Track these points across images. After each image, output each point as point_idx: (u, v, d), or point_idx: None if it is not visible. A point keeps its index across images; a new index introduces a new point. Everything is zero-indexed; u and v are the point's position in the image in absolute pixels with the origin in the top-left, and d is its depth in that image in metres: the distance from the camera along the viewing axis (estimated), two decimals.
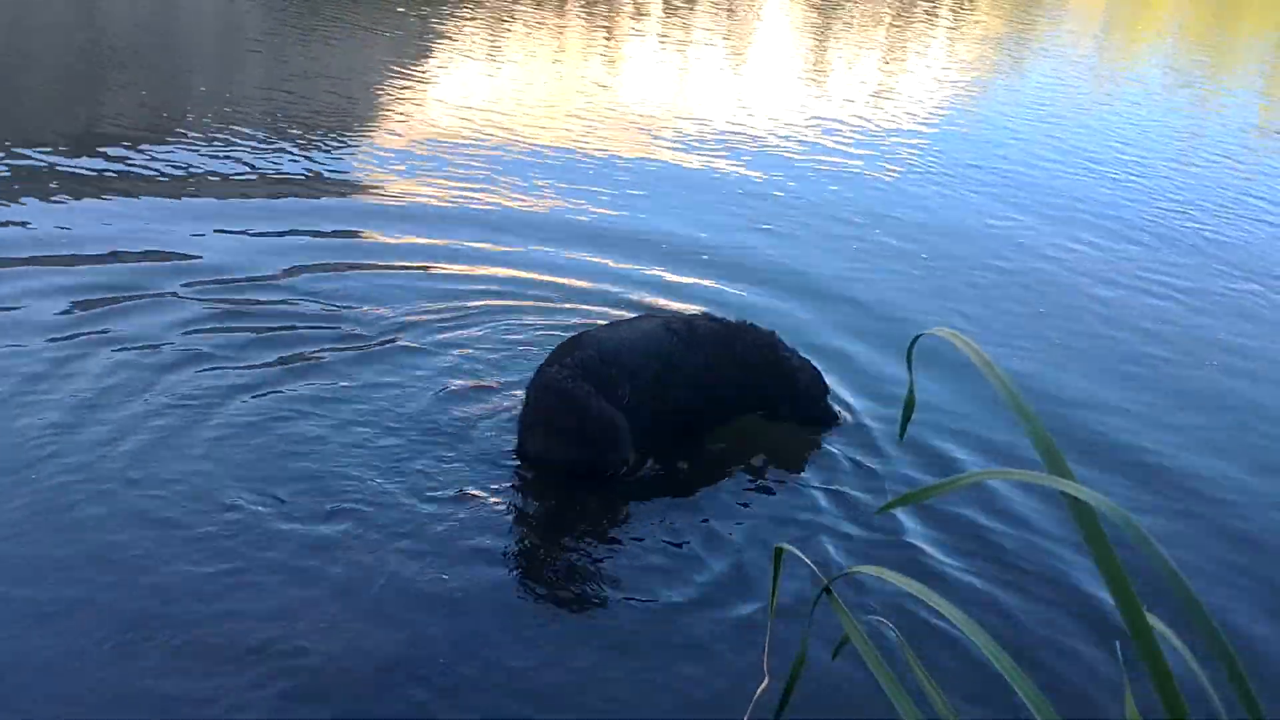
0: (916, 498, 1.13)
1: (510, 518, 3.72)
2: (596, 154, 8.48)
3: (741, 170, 8.47)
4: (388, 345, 4.84)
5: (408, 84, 10.39)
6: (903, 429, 1.60)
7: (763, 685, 1.83)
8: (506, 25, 13.51)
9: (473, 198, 7.08)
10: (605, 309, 5.39)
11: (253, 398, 4.28)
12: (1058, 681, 3.06)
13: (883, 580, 1.25)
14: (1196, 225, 8.11)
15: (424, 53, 11.81)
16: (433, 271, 5.77)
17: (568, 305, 5.48)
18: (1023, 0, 20.84)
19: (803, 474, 4.20)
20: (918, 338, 1.31)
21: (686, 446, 4.25)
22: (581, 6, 15.40)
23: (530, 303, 5.46)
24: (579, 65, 11.80)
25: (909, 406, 1.50)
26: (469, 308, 5.35)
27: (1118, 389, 5.17)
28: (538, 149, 8.44)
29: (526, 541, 3.65)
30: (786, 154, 9.13)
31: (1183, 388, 5.30)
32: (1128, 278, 6.81)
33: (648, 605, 3.35)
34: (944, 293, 6.27)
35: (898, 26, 16.48)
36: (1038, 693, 0.97)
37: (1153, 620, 0.96)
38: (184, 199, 6.58)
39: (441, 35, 12.75)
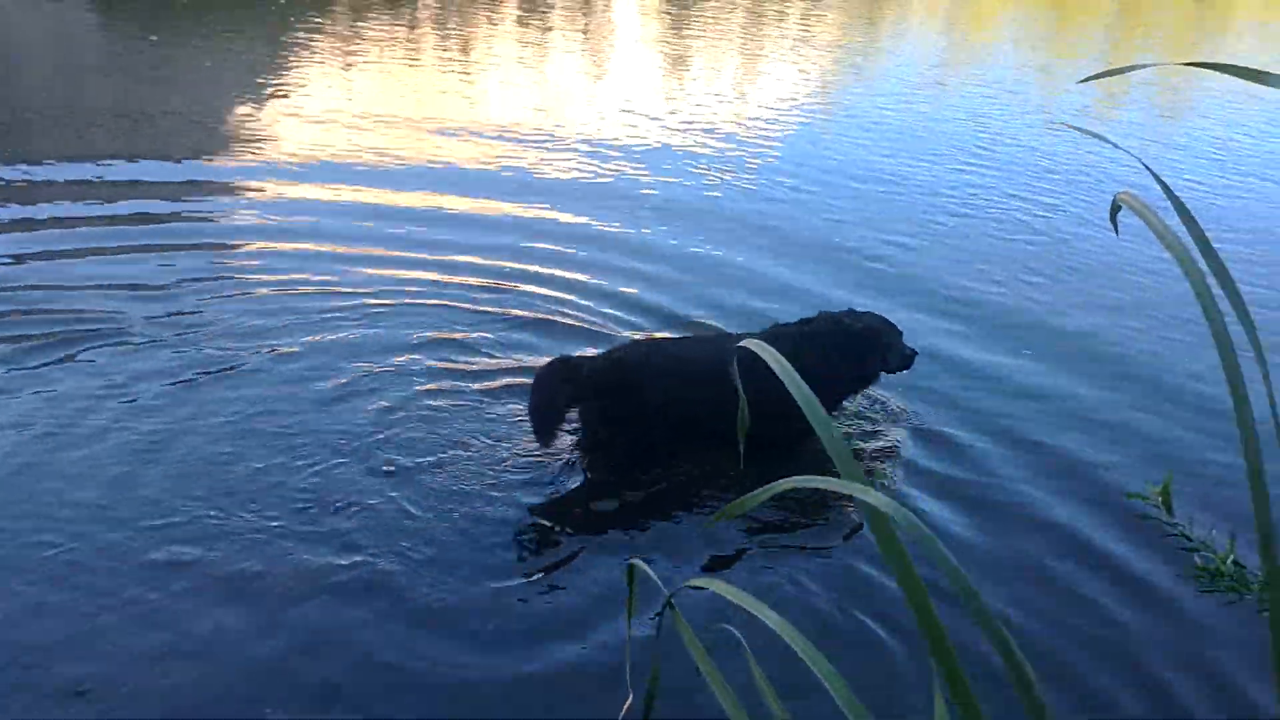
0: (737, 509, 1.15)
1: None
2: (464, 163, 8.50)
3: (588, 167, 8.56)
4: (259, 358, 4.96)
5: (261, 100, 10.19)
6: (743, 449, 1.59)
7: (627, 703, 1.83)
8: (359, 42, 13.30)
9: (328, 214, 7.09)
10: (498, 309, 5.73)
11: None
12: (878, 683, 3.19)
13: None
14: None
15: (275, 69, 11.56)
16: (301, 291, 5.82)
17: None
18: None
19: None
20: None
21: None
22: (433, 21, 15.23)
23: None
24: (433, 77, 11.71)
25: (744, 422, 1.52)
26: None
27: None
28: (403, 160, 8.41)
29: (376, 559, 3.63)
30: (649, 152, 9.24)
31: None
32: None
33: (520, 626, 3.36)
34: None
35: (751, 27, 16.74)
36: (850, 695, 0.99)
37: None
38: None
39: (292, 50, 12.50)
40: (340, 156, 8.61)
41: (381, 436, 4.42)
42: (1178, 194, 1.11)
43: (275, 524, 3.77)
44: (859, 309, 4.85)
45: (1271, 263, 7.24)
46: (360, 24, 14.17)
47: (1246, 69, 1.18)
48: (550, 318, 5.77)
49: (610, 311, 5.88)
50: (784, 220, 7.61)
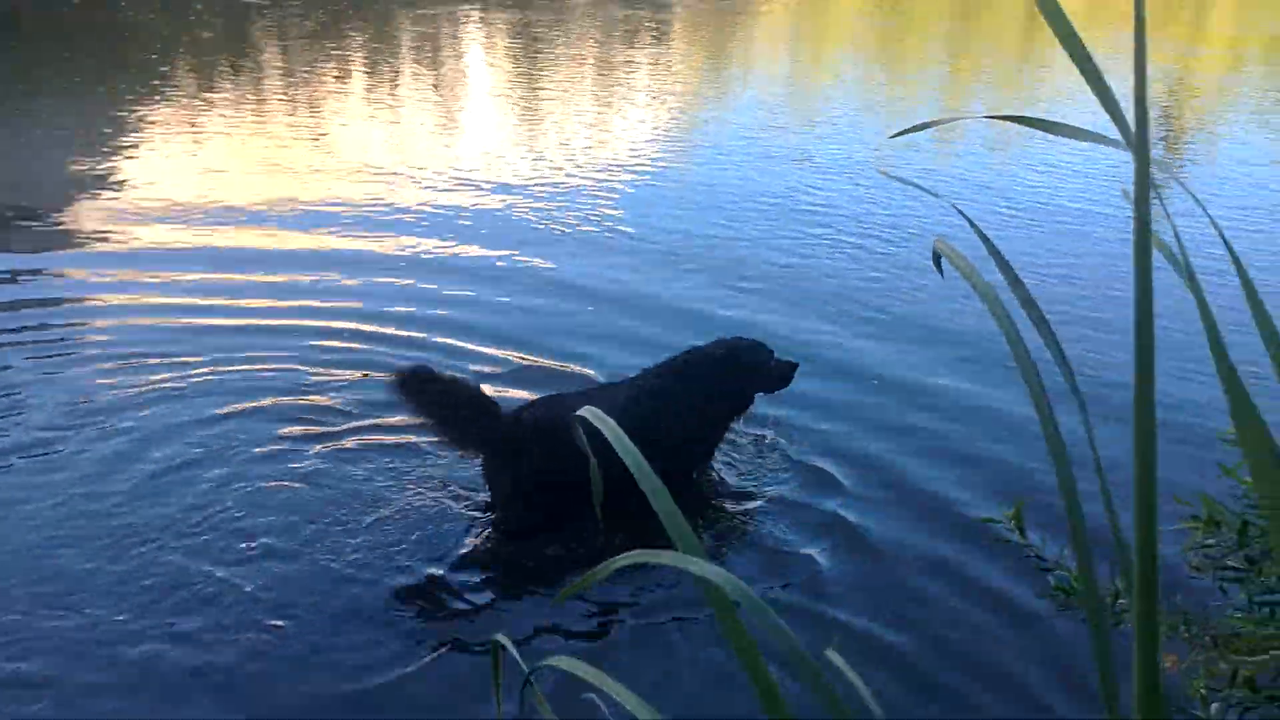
0: (581, 585, 1.14)
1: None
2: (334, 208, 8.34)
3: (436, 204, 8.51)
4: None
5: (99, 171, 9.81)
6: (598, 508, 1.59)
7: None
8: (204, 107, 12.96)
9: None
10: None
11: None
12: None
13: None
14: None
15: (113, 136, 11.17)
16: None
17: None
18: (718, 24, 22.05)
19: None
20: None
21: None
22: (280, 83, 14.98)
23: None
24: (279, 138, 11.48)
25: (597, 485, 1.51)
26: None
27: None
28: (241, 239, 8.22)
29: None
30: (486, 215, 9.23)
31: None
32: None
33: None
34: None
35: (600, 78, 16.95)
36: None
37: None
38: None
39: (138, 113, 12.11)
40: (184, 221, 8.42)
41: (219, 516, 4.26)
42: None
43: (101, 623, 3.57)
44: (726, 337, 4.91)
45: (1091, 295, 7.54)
46: (207, 92, 13.82)
47: (1039, 120, 1.23)
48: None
49: (474, 368, 5.83)
50: (622, 271, 7.65)
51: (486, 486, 4.46)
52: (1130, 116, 0.85)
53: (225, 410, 5.17)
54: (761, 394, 4.82)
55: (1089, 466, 1.09)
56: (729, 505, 4.68)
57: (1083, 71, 0.88)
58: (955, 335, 6.57)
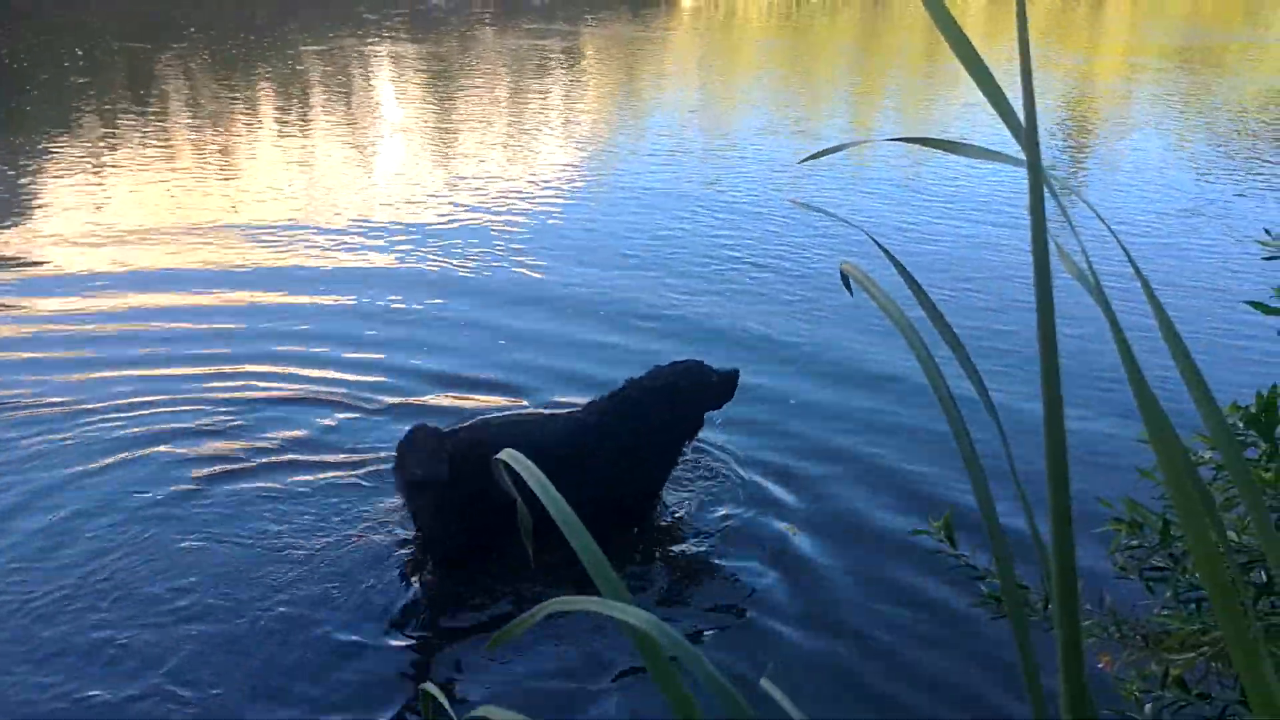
0: (509, 634, 1.11)
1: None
2: (220, 263, 8.19)
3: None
4: None
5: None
6: (529, 548, 1.56)
7: None
8: (110, 153, 12.67)
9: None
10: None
11: None
12: None
13: None
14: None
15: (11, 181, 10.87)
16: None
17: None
18: (624, 52, 22.21)
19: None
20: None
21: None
22: (188, 127, 14.73)
23: None
24: (191, 180, 11.27)
25: (525, 523, 1.48)
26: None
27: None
28: (155, 266, 8.03)
29: None
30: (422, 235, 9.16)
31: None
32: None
33: None
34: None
35: (515, 108, 16.95)
36: None
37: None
38: None
39: (35, 157, 11.80)
40: (89, 266, 8.22)
41: (121, 576, 4.13)
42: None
43: None
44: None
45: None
46: (111, 136, 13.52)
47: (942, 141, 1.24)
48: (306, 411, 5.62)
49: (382, 400, 5.78)
50: (532, 308, 7.62)
51: (410, 513, 4.37)
52: (1022, 116, 0.86)
53: (118, 458, 5.05)
54: (711, 412, 4.84)
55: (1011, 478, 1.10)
56: (660, 533, 4.68)
57: (973, 75, 0.89)
58: (871, 356, 6.64)
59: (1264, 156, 13.22)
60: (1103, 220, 1.13)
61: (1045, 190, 0.82)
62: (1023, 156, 0.87)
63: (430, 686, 1.40)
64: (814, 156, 1.44)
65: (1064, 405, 0.87)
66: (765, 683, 1.35)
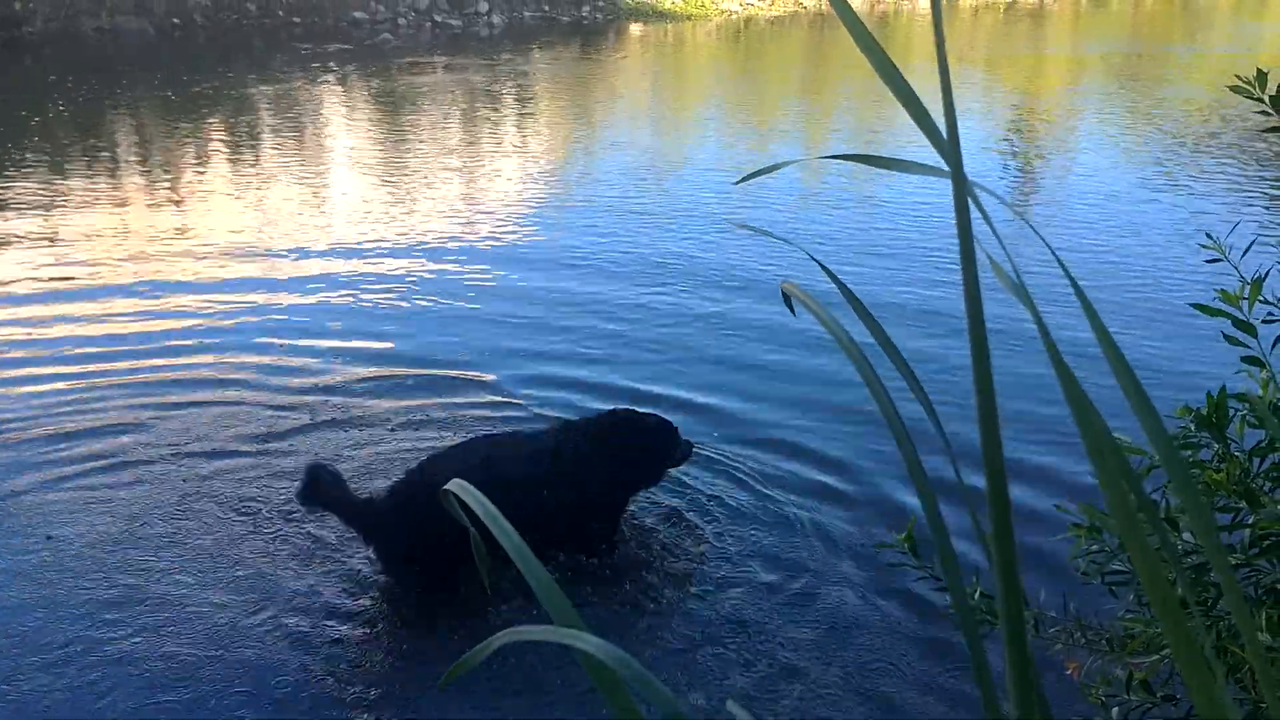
0: (462, 668, 1.10)
1: None
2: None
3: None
4: None
5: None
6: (486, 577, 1.56)
7: None
8: (63, 195, 12.51)
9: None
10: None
11: None
12: None
13: None
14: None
15: None
16: None
17: None
18: (577, 79, 22.29)
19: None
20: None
21: None
22: (137, 165, 14.60)
23: None
24: (144, 220, 11.17)
25: (481, 553, 1.47)
26: None
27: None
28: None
29: None
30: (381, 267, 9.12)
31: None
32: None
33: None
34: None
35: (466, 139, 16.96)
36: None
37: None
38: None
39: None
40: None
41: (32, 629, 4.07)
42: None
43: None
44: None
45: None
46: (58, 178, 13.36)
47: (885, 159, 1.25)
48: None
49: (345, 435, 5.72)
50: (483, 332, 7.67)
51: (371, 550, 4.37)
52: (943, 125, 0.87)
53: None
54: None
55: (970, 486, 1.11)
56: (620, 559, 4.66)
57: (889, 84, 0.90)
58: (820, 373, 6.69)
59: (1203, 164, 13.50)
60: (1028, 223, 1.14)
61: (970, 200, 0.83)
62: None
63: None
64: (749, 178, 1.45)
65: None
66: (731, 704, 1.34)
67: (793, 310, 1.28)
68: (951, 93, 0.85)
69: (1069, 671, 2.81)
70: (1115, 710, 2.26)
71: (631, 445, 4.51)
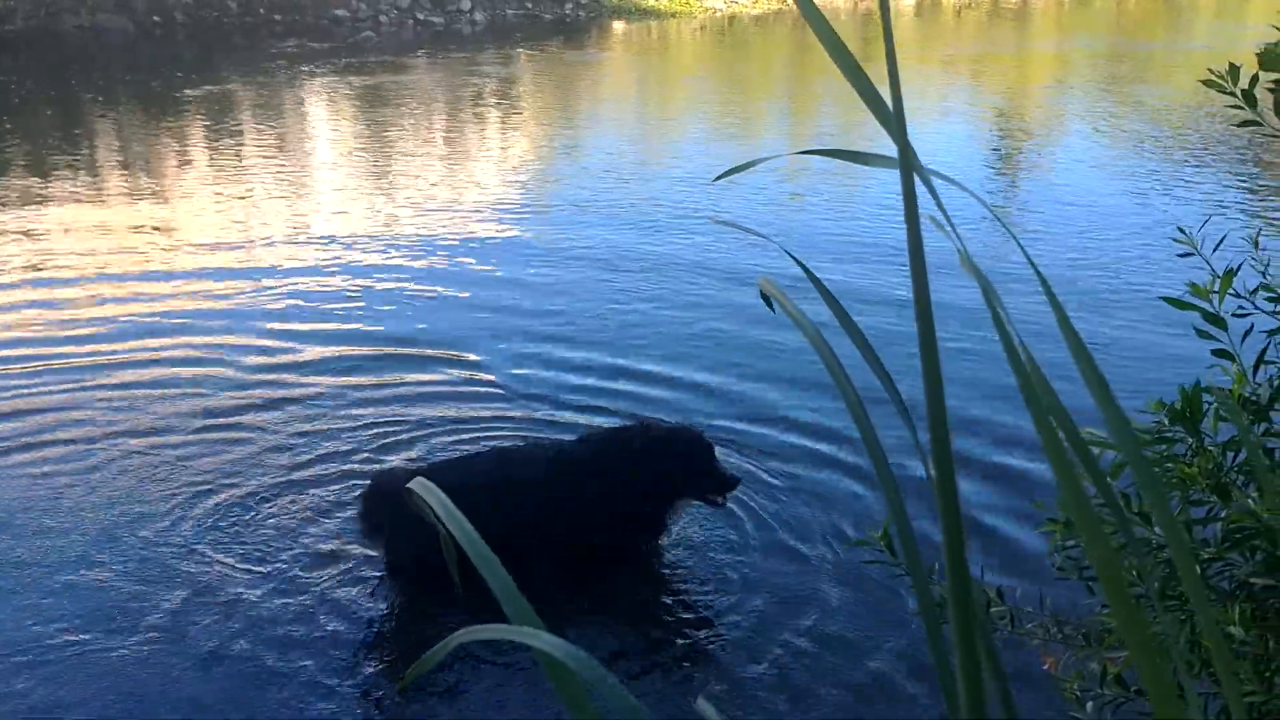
0: (421, 668, 1.09)
1: None
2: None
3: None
4: None
5: None
6: (456, 576, 1.55)
7: None
8: (41, 194, 12.42)
9: None
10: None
11: None
12: None
13: None
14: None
15: None
16: None
17: None
18: (562, 77, 22.27)
19: None
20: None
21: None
22: (117, 165, 14.50)
23: None
24: (123, 219, 11.09)
25: (450, 552, 1.46)
26: None
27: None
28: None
29: None
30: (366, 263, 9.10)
31: None
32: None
33: None
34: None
35: (450, 133, 16.91)
36: None
37: None
38: None
39: None
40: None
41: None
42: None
43: None
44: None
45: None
46: (37, 178, 13.26)
47: (852, 152, 1.25)
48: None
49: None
50: (467, 327, 7.68)
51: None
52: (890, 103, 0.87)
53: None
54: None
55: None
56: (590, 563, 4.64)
57: (840, 67, 0.89)
58: (801, 366, 6.70)
59: (1172, 157, 13.59)
60: (987, 206, 1.13)
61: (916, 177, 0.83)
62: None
63: None
64: (725, 175, 1.45)
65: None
66: (701, 701, 1.34)
67: (771, 307, 1.28)
68: (898, 72, 0.84)
69: (1046, 666, 2.81)
70: (1090, 705, 2.26)
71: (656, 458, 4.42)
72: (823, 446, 5.60)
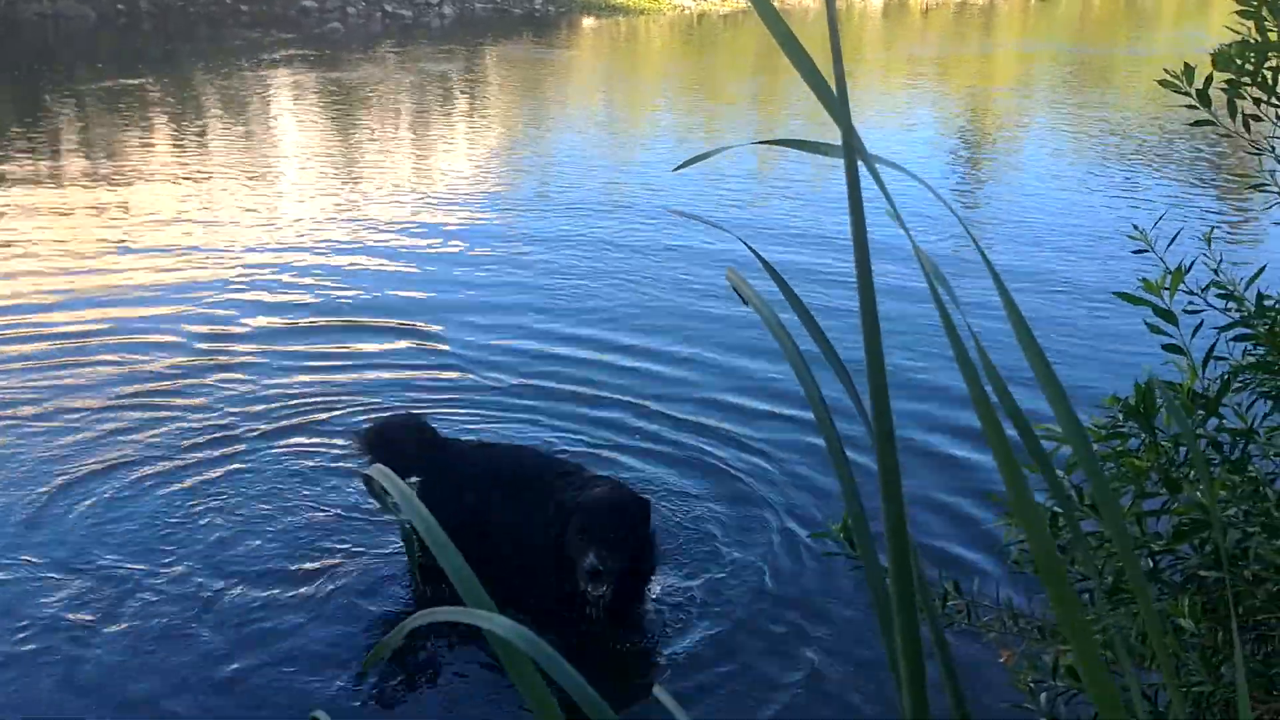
0: (383, 650, 1.10)
1: None
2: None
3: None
4: None
5: None
6: (413, 568, 1.56)
7: None
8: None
9: None
10: None
11: None
12: None
13: None
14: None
15: None
16: None
17: None
18: (528, 72, 22.21)
19: None
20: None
21: None
22: (79, 153, 14.30)
23: None
24: (82, 219, 10.94)
25: (410, 544, 1.48)
26: None
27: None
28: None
29: None
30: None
31: None
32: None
33: None
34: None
35: (418, 127, 16.83)
36: None
37: None
38: None
39: None
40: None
41: None
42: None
43: None
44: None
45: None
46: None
47: (813, 143, 1.26)
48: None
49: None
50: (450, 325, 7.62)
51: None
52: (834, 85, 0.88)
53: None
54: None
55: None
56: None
57: (788, 54, 0.90)
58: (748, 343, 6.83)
59: (1129, 156, 13.77)
60: (936, 194, 1.15)
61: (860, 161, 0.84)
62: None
63: (320, 714, 1.38)
64: (685, 165, 1.46)
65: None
66: (658, 690, 1.35)
67: (743, 300, 1.29)
68: (841, 58, 0.86)
69: (1002, 659, 2.85)
70: (1043, 697, 2.30)
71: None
72: (794, 432, 5.63)
